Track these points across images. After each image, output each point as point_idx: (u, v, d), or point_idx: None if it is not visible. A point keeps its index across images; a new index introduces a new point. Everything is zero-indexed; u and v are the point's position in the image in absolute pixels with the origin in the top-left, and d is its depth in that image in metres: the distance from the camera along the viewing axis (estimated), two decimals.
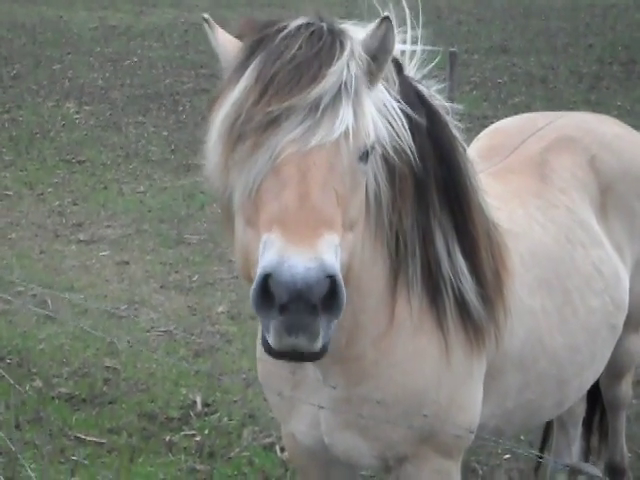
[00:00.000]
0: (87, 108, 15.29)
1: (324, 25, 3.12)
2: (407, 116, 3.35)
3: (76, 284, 8.92)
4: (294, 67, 3.02)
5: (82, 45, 20.28)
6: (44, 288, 8.69)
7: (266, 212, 2.90)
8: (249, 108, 3.00)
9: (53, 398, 6.93)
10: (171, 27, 22.28)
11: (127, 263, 9.45)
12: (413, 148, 3.36)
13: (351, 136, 2.98)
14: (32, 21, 23.13)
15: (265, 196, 2.94)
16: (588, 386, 4.46)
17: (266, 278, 2.75)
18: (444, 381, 3.61)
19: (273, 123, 2.95)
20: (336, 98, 2.99)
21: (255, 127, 2.97)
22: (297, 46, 3.06)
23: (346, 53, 3.06)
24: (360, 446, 3.66)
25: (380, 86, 3.26)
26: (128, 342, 7.66)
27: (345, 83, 3.02)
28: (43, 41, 20.61)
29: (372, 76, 3.13)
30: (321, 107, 2.95)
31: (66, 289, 8.75)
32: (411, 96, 3.44)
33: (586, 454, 5.73)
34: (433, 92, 3.61)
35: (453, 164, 3.56)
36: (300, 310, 2.74)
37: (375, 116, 3.13)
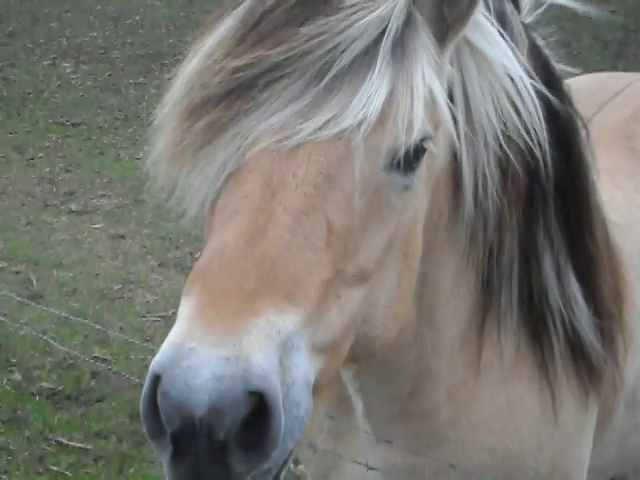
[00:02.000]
0: (85, 68, 14.37)
1: None
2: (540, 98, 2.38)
3: (65, 260, 8.07)
4: (301, 1, 1.97)
5: (82, 3, 19.35)
6: (29, 264, 7.87)
7: (203, 254, 1.89)
8: (216, 63, 1.97)
9: (33, 394, 6.17)
10: None
11: (122, 237, 8.58)
12: (547, 150, 2.39)
13: (377, 127, 1.92)
14: None
15: (218, 219, 1.93)
16: None
17: (156, 383, 1.75)
18: (547, 442, 2.70)
19: (243, 92, 1.92)
20: (364, 55, 1.93)
21: (217, 95, 1.94)
22: None
23: None
24: None
25: (498, 40, 2.26)
26: (121, 329, 6.84)
27: (388, 32, 1.95)
28: None
29: (445, 32, 2.09)
30: (332, 71, 1.90)
31: (54, 266, 7.94)
32: (538, 63, 2.45)
33: None
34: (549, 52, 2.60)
35: (575, 155, 2.59)
36: (199, 448, 1.72)
37: (440, 95, 2.04)
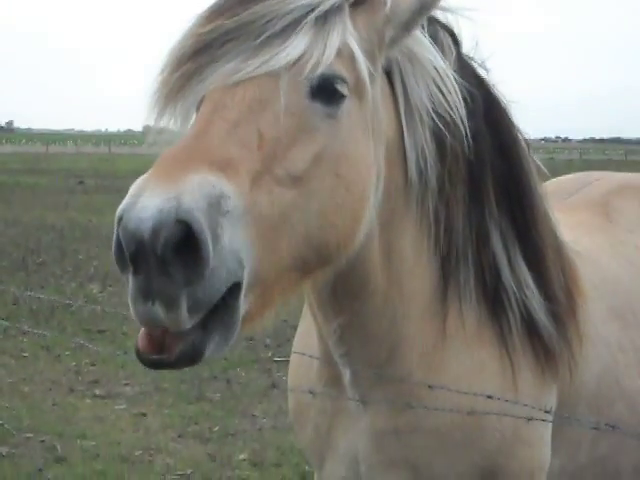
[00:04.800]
0: (111, 289, 14.99)
1: None
2: (461, 90, 2.92)
3: (88, 432, 8.33)
4: None
5: (109, 242, 20.04)
6: (54, 435, 8.15)
7: None
8: (191, 31, 2.59)
9: None
10: None
11: (144, 415, 8.86)
12: (466, 123, 2.90)
13: (298, 67, 2.48)
14: (61, 223, 23.29)
15: None
16: None
17: (119, 224, 2.24)
18: (509, 408, 2.97)
19: (206, 50, 2.51)
20: (293, 24, 2.51)
21: (188, 53, 2.54)
22: None
23: None
24: None
25: (429, 46, 2.86)
26: None
27: (315, 11, 2.54)
28: (71, 238, 20.61)
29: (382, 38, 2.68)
30: (266, 33, 2.49)
31: (78, 437, 8.19)
32: (468, 73, 3.00)
33: None
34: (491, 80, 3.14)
35: (514, 158, 3.06)
36: (149, 264, 2.17)
37: (357, 53, 2.57)
